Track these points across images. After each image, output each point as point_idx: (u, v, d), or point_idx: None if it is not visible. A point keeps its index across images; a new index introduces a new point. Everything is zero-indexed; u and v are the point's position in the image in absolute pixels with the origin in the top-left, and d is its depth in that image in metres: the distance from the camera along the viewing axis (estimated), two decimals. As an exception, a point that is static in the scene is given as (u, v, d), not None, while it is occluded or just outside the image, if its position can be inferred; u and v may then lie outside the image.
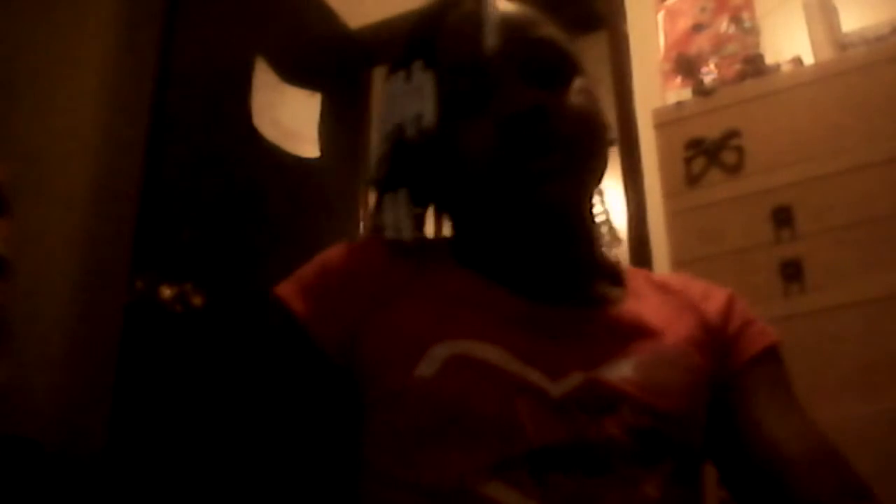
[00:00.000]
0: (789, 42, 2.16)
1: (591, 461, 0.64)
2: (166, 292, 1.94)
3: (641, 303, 0.78)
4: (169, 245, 2.02)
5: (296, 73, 2.51)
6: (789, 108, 1.95)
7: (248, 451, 0.74)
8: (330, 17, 2.77)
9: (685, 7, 2.32)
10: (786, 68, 2.04)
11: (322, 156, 2.56)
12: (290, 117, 2.46)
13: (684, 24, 2.31)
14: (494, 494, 0.62)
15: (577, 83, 0.75)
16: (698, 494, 0.73)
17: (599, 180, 0.78)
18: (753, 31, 2.20)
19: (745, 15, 2.23)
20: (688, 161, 1.99)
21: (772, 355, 0.78)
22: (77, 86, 2.29)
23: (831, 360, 1.68)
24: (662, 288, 0.83)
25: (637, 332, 0.74)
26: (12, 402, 1.78)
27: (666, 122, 2.08)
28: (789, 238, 1.82)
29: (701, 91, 2.09)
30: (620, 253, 0.85)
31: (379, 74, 2.96)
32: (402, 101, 0.77)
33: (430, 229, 0.83)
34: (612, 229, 0.83)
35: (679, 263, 1.93)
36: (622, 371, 0.69)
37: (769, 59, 2.09)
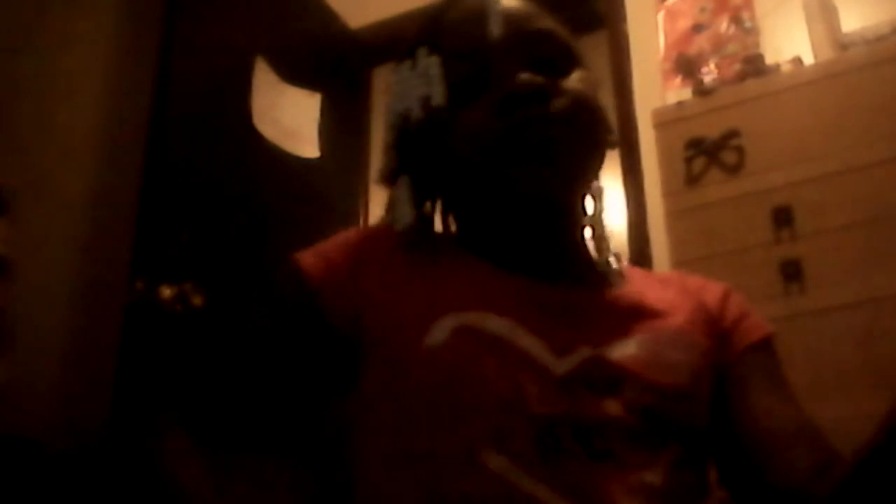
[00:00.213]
0: (789, 42, 2.16)
1: (593, 443, 0.65)
2: (166, 292, 1.94)
3: (641, 288, 0.80)
4: (169, 245, 2.02)
5: (296, 73, 2.51)
6: (789, 108, 1.95)
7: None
8: (330, 17, 2.77)
9: (685, 7, 2.32)
10: (786, 68, 2.04)
11: (322, 156, 2.56)
12: (290, 117, 2.46)
13: (684, 24, 2.31)
14: (498, 468, 0.63)
15: (577, 74, 0.77)
16: (703, 485, 0.73)
17: (595, 170, 0.78)
18: (753, 31, 2.20)
19: (745, 15, 2.23)
20: (688, 161, 1.99)
21: (766, 346, 0.79)
22: (77, 86, 2.29)
23: (831, 360, 1.68)
24: (660, 279, 0.85)
25: (639, 313, 0.75)
26: (12, 402, 1.78)
27: (666, 122, 2.08)
28: (789, 238, 1.82)
29: (701, 91, 2.09)
30: (620, 253, 0.85)
31: (379, 74, 2.96)
32: (409, 86, 0.79)
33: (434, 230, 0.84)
34: (602, 229, 0.83)
35: (679, 263, 1.92)
36: (626, 349, 0.70)
37: (769, 59, 2.09)
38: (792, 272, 1.79)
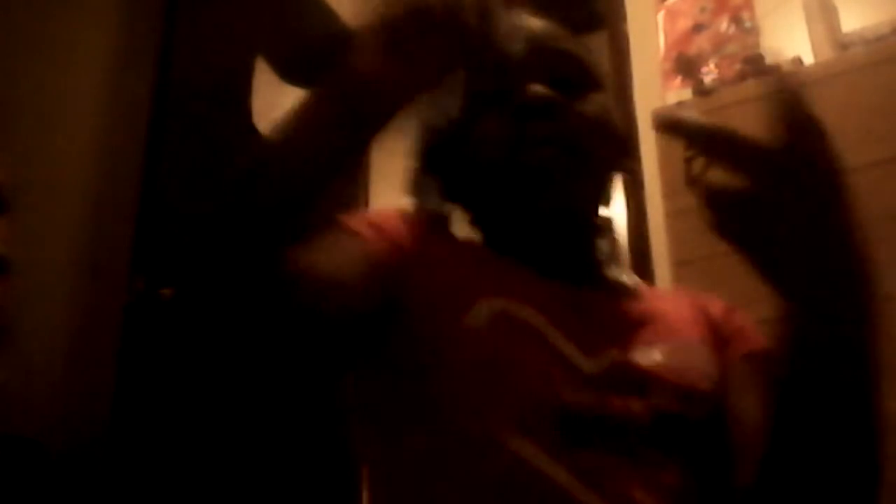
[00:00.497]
0: (789, 42, 2.16)
1: (616, 439, 0.67)
2: (166, 292, 1.95)
3: (655, 302, 0.83)
4: (168, 245, 2.02)
5: (296, 73, 2.51)
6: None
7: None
8: (330, 17, 2.77)
9: (685, 7, 2.32)
10: (786, 68, 2.04)
11: (322, 156, 2.55)
12: (290, 117, 2.46)
13: (684, 24, 2.31)
14: (522, 451, 0.64)
15: (594, 97, 0.80)
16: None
17: (607, 190, 0.80)
18: (753, 31, 2.20)
19: (745, 15, 2.23)
20: (688, 161, 1.98)
21: (761, 357, 0.80)
22: (77, 85, 2.29)
23: (831, 360, 1.68)
24: (670, 296, 0.90)
25: (659, 324, 0.77)
26: (12, 402, 1.78)
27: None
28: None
29: (701, 91, 2.09)
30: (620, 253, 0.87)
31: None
32: (432, 97, 0.81)
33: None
34: (613, 241, 0.85)
35: (679, 263, 1.92)
36: (652, 356, 0.73)
37: (769, 59, 2.09)
38: (792, 272, 1.79)
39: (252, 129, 2.33)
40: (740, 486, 0.70)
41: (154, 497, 1.79)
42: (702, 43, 2.25)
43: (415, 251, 0.75)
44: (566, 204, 0.76)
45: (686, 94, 2.16)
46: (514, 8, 0.83)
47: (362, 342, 0.73)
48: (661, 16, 2.37)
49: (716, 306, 0.83)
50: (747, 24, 2.21)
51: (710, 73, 2.16)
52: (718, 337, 0.80)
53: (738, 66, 2.11)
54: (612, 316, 0.76)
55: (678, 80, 2.25)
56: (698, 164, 0.71)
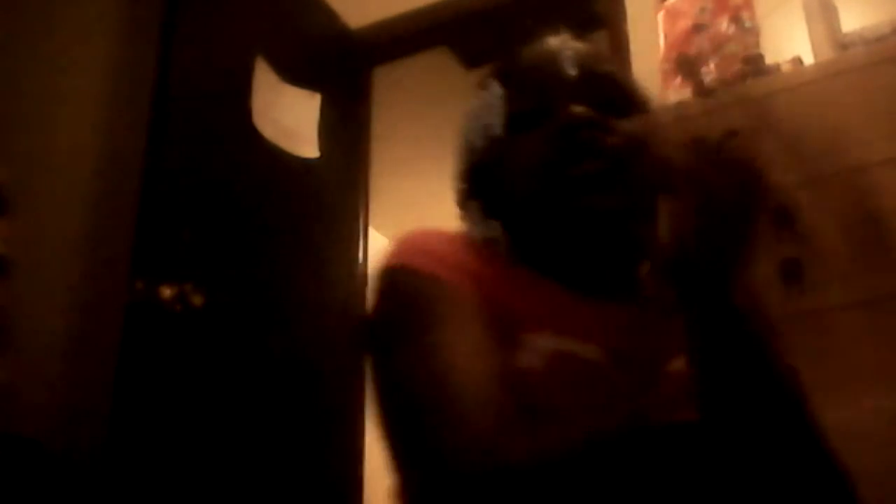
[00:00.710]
0: (789, 42, 2.16)
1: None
2: (166, 292, 1.94)
3: None
4: (169, 245, 2.02)
5: (296, 73, 2.51)
6: (789, 108, 1.94)
7: None
8: (330, 17, 2.77)
9: (685, 7, 2.32)
10: (786, 68, 2.04)
11: (322, 156, 2.56)
12: (290, 117, 2.46)
13: (684, 24, 2.30)
14: None
15: (636, 118, 0.82)
16: None
17: (650, 208, 0.79)
18: (753, 31, 2.20)
19: (745, 15, 2.22)
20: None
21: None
22: (77, 86, 2.29)
23: (831, 361, 1.68)
24: None
25: None
26: (12, 402, 1.78)
27: (666, 122, 2.08)
28: (789, 238, 1.82)
29: (701, 91, 2.09)
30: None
31: (379, 74, 2.96)
32: (476, 115, 0.86)
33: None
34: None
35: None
36: None
37: (769, 59, 2.09)
38: (792, 272, 1.79)
39: (252, 129, 2.33)
40: None
41: (154, 497, 1.79)
42: (702, 43, 2.25)
43: (477, 279, 0.75)
44: (612, 206, 0.77)
45: (686, 94, 2.16)
46: (557, 31, 0.86)
47: None
48: (660, 16, 2.37)
49: None
50: (747, 24, 2.21)
51: (710, 73, 2.16)
52: None
53: (738, 66, 2.11)
54: (660, 333, 0.76)
55: (678, 80, 2.25)
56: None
